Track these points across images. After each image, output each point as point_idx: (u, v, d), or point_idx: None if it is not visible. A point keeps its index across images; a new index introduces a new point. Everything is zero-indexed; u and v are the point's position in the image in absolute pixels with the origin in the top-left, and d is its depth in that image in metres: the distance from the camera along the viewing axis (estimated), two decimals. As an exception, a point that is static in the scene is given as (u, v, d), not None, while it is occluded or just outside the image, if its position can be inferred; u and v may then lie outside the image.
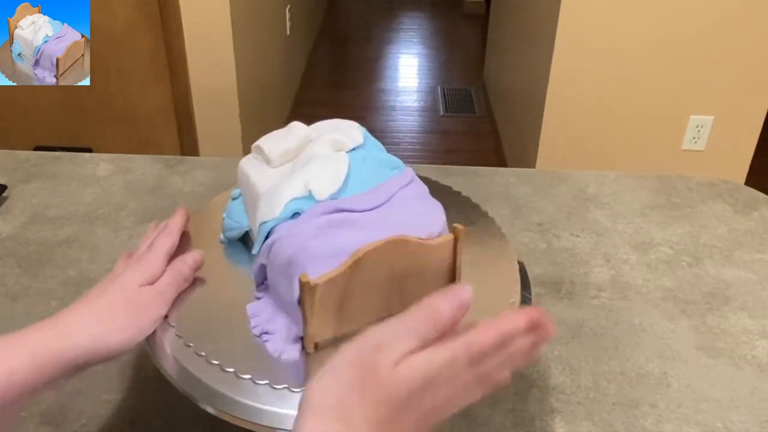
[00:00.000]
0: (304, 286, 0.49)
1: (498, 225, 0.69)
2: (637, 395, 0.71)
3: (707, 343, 0.79)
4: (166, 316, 0.57)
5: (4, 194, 1.01)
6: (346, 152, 0.63)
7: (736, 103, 2.21)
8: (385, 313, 0.54)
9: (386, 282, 0.54)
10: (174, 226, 0.62)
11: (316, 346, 0.53)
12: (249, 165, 0.66)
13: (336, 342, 0.54)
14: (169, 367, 0.54)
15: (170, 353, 0.54)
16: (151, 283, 0.56)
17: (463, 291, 0.42)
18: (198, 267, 0.60)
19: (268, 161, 0.64)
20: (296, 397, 0.49)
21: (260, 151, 0.65)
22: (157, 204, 1.01)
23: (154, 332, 0.56)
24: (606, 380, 0.73)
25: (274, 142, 0.65)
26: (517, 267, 0.64)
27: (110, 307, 0.53)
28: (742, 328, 0.81)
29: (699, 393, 0.72)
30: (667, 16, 2.08)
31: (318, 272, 0.51)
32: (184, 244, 0.63)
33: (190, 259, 0.59)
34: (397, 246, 0.53)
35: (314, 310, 0.51)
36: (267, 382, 0.50)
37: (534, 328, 0.42)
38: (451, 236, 0.56)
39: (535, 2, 2.50)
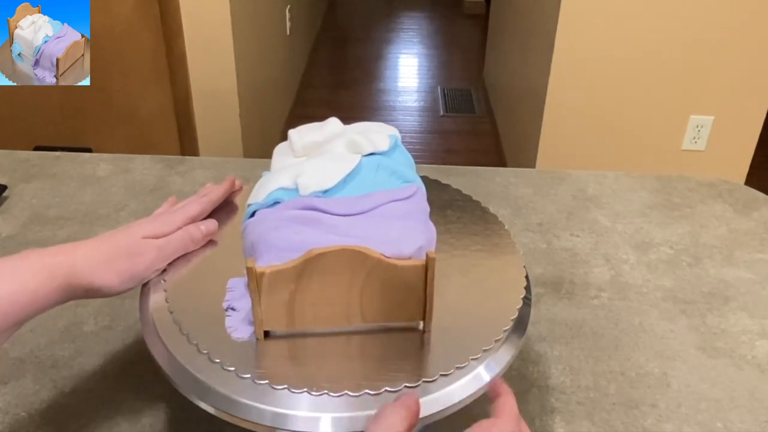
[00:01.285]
0: (249, 271, 0.50)
1: (502, 223, 0.69)
2: (637, 395, 0.71)
3: (707, 343, 0.79)
4: (164, 270, 0.60)
5: (4, 194, 1.01)
6: (363, 156, 0.63)
7: (736, 103, 2.21)
8: (343, 324, 0.54)
9: (344, 291, 0.53)
10: (211, 195, 0.66)
11: (267, 335, 0.54)
12: (279, 151, 0.69)
13: (289, 338, 0.55)
14: (169, 367, 0.54)
15: (171, 352, 0.54)
16: (157, 239, 0.60)
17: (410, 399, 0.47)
18: (210, 234, 0.64)
19: (292, 150, 0.66)
20: (296, 397, 0.49)
21: (290, 139, 0.67)
22: (157, 204, 0.99)
23: (156, 331, 0.56)
24: (606, 380, 0.73)
25: (304, 133, 0.67)
26: (523, 266, 0.64)
27: (112, 250, 0.57)
28: (742, 328, 0.81)
29: (699, 393, 0.72)
30: (667, 17, 2.08)
31: (273, 262, 0.52)
32: (226, 215, 0.67)
33: (203, 225, 0.63)
34: (353, 256, 0.51)
35: (260, 297, 0.52)
36: (267, 381, 0.50)
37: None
38: (420, 262, 0.52)
39: (535, 2, 2.50)
